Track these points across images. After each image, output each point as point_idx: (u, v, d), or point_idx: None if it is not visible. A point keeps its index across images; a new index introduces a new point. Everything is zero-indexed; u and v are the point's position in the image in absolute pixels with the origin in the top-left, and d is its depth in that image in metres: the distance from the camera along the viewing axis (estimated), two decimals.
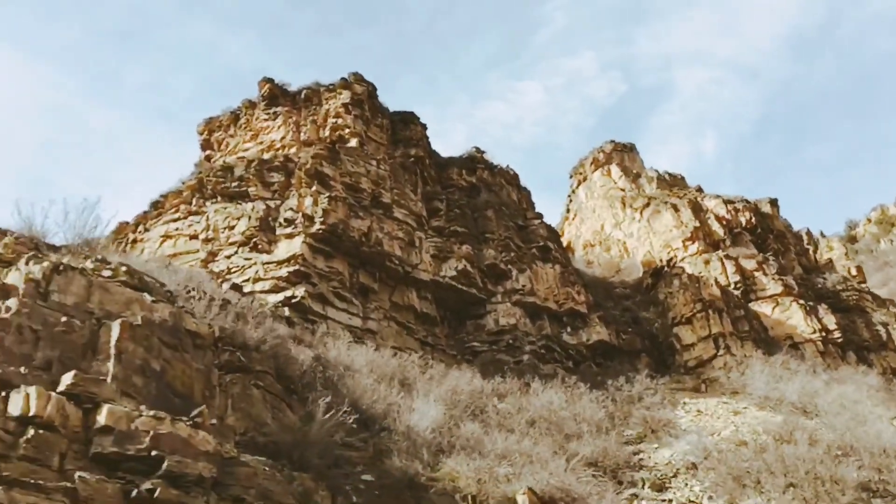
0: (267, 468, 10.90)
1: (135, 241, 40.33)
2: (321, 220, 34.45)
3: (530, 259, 39.62)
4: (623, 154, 69.75)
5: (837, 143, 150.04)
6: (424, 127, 44.31)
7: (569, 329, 38.53)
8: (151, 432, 10.30)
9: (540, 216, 41.92)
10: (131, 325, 12.21)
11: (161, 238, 37.88)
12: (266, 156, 40.57)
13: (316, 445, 12.43)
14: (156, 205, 39.76)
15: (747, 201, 47.73)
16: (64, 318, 12.00)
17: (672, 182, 65.26)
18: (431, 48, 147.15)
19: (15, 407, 10.50)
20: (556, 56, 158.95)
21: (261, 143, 42.53)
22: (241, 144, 43.37)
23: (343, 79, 42.97)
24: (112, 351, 11.88)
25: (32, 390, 10.51)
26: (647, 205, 49.24)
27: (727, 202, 47.02)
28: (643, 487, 22.03)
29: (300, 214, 35.24)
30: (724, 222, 45.50)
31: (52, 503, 9.21)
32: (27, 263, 12.94)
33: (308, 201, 36.04)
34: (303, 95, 43.58)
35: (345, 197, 36.57)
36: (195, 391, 12.22)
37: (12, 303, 12.04)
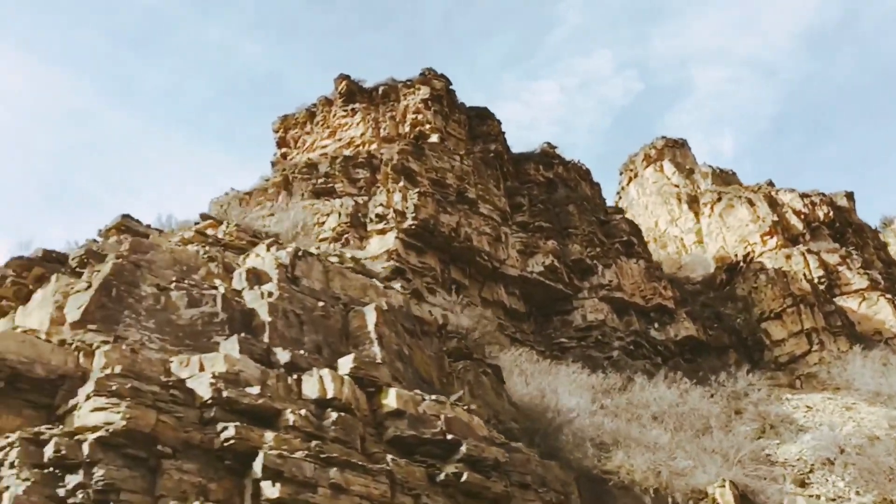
0: (535, 455, 10.91)
1: None
2: (412, 215, 34.44)
3: (615, 254, 39.38)
4: (675, 150, 69.11)
5: (857, 140, 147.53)
6: (499, 122, 44.18)
7: (656, 325, 38.24)
8: (442, 416, 10.32)
9: (621, 211, 41.66)
10: (383, 311, 12.26)
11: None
12: (347, 152, 40.70)
13: (550, 434, 12.42)
14: (240, 202, 40.07)
15: (823, 195, 47.08)
16: (321, 303, 12.05)
17: (725, 177, 64.63)
18: (446, 48, 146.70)
19: (311, 389, 10.52)
20: (572, 56, 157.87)
21: (339, 139, 42.67)
22: (319, 141, 43.56)
23: (421, 74, 43.00)
24: (373, 336, 11.92)
25: (326, 373, 10.57)
26: (719, 199, 48.70)
27: (803, 196, 46.40)
28: (786, 482, 21.77)
29: (391, 210, 35.27)
30: (802, 216, 44.90)
31: (379, 485, 9.27)
32: (269, 249, 13.01)
33: (397, 197, 36.07)
34: (380, 92, 43.63)
35: (432, 192, 36.55)
36: (433, 377, 12.27)
37: (271, 287, 12.12)
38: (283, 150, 45.85)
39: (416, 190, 35.91)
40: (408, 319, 12.74)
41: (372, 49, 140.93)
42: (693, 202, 60.35)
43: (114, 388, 9.98)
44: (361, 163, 38.66)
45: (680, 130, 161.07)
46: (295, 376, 11.01)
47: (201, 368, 11.14)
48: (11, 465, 9.19)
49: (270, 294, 12.63)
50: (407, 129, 41.20)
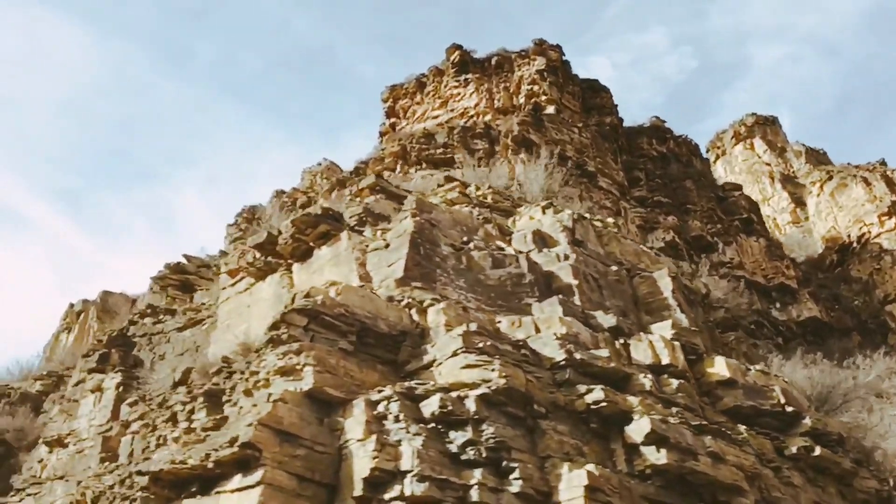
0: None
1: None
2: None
3: (735, 231, 38.62)
4: (765, 127, 67.16)
5: None
6: (611, 95, 43.39)
7: (777, 304, 37.53)
8: (776, 387, 10.18)
9: (739, 187, 40.73)
10: (674, 278, 12.11)
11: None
12: (460, 122, 40.47)
13: None
14: (356, 171, 40.18)
15: None
16: (613, 268, 11.95)
17: (818, 156, 62.76)
18: (499, 24, 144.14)
19: (643, 355, 10.48)
20: (626, 31, 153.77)
21: (451, 110, 42.38)
22: (430, 112, 43.34)
23: (535, 44, 42.29)
24: (671, 302, 11.80)
25: (657, 339, 10.51)
26: (830, 178, 47.29)
27: None
28: None
29: (514, 182, 35.06)
30: None
31: (748, 456, 9.21)
32: (545, 212, 12.92)
33: (519, 168, 35.82)
34: (493, 62, 43.06)
35: (554, 165, 36.18)
36: (708, 348, 12.15)
37: (564, 250, 12.04)
38: (392, 119, 45.75)
39: (539, 161, 35.57)
40: (687, 288, 12.61)
41: (422, 24, 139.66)
42: (787, 181, 58.81)
43: (480, 345, 10.03)
44: (479, 133, 38.35)
45: (735, 109, 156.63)
46: (622, 341, 10.97)
47: (537, 330, 11.14)
48: (396, 419, 9.31)
49: (566, 257, 12.60)
50: (522, 100, 40.68)
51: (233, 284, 16.14)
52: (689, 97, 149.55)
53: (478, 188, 17.99)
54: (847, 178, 46.28)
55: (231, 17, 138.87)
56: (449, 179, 19.37)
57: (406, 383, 9.89)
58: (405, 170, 38.53)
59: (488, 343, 10.02)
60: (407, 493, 8.54)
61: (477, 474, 8.78)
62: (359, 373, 10.25)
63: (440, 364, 10.22)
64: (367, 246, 13.18)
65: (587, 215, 14.69)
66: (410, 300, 11.45)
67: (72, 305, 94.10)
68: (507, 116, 39.71)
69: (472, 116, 41.25)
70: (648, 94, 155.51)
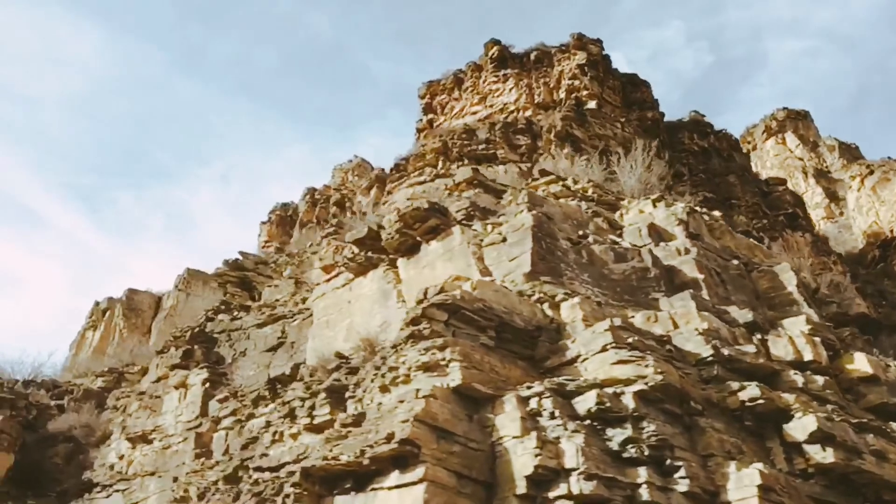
0: None
1: (374, 203, 40.99)
2: None
3: (780, 227, 38.26)
4: (797, 122, 66.62)
5: None
6: (651, 89, 43.06)
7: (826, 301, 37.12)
8: None
9: (783, 181, 40.33)
10: (796, 273, 11.85)
11: (408, 200, 38.03)
12: (500, 118, 40.27)
13: None
14: (397, 167, 40.04)
15: None
16: (734, 262, 11.72)
17: (851, 151, 62.20)
18: (512, 19, 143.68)
19: (783, 351, 10.26)
20: (641, 27, 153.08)
21: (490, 105, 42.14)
22: (469, 107, 43.12)
23: (575, 38, 41.98)
24: (797, 297, 11.54)
25: (798, 335, 10.27)
26: (871, 172, 46.79)
27: None
28: None
29: (570, 178, 34.83)
30: None
31: None
32: (656, 205, 12.71)
33: (563, 164, 35.54)
34: (532, 57, 42.75)
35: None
36: None
37: (684, 244, 11.82)
38: (430, 116, 45.52)
39: (583, 157, 35.30)
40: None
41: (436, 19, 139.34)
42: (820, 176, 58.31)
43: (629, 340, 9.83)
44: (521, 129, 38.11)
45: (752, 104, 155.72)
46: (759, 336, 10.78)
47: (674, 325, 10.95)
48: (552, 416, 9.13)
49: (687, 251, 12.41)
50: (562, 95, 40.38)
51: (328, 280, 15.98)
52: (705, 93, 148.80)
53: (575, 181, 17.81)
54: (889, 173, 45.78)
55: (245, 14, 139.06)
56: (544, 173, 19.16)
57: (556, 379, 9.70)
58: (447, 166, 38.35)
59: (636, 338, 9.84)
60: (574, 491, 8.36)
61: (642, 473, 8.59)
62: (502, 368, 10.07)
63: (585, 360, 10.04)
64: (480, 240, 13.00)
65: (697, 208, 14.50)
66: (542, 295, 11.26)
67: (97, 303, 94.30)
68: (548, 112, 39.44)
69: (512, 112, 41.02)
70: (664, 90, 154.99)
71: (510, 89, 42.14)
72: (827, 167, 58.76)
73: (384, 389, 10.25)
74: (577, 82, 40.42)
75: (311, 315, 16.03)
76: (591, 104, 39.51)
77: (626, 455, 8.87)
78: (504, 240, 12.74)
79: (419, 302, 10.44)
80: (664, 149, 41.02)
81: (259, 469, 11.48)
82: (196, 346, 18.70)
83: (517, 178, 28.27)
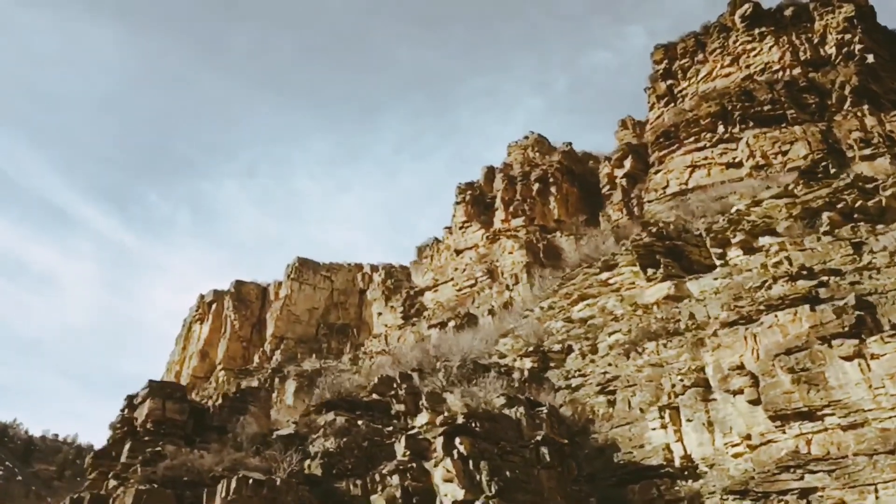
0: None
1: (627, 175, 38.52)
2: None
3: None
4: None
5: None
6: None
7: None
8: None
9: None
10: None
11: (688, 168, 35.75)
12: (761, 78, 37.83)
13: None
14: (666, 135, 37.57)
15: None
16: None
17: None
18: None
19: None
20: None
21: (747, 66, 39.66)
22: (719, 69, 40.63)
23: None
24: None
25: None
26: None
27: None
28: None
29: (875, 135, 32.40)
30: None
31: None
32: None
33: (869, 121, 33.14)
34: (788, 13, 40.29)
35: None
36: None
37: None
38: (669, 81, 42.95)
39: (892, 113, 32.92)
40: None
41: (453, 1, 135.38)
42: None
43: None
44: (804, 87, 35.71)
45: None
46: None
47: None
48: None
49: None
50: (832, 50, 37.97)
51: None
52: None
53: None
54: None
55: (263, 2, 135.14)
56: None
57: None
58: (730, 130, 35.96)
59: None
60: None
61: None
62: None
63: None
64: None
65: None
66: None
67: (202, 297, 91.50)
68: (821, 69, 37.05)
69: (777, 71, 38.57)
70: None
71: (769, 48, 39.65)
72: None
73: None
74: (847, 36, 37.99)
75: None
76: (870, 58, 37.12)
77: None
78: None
79: None
80: None
81: None
82: None
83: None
